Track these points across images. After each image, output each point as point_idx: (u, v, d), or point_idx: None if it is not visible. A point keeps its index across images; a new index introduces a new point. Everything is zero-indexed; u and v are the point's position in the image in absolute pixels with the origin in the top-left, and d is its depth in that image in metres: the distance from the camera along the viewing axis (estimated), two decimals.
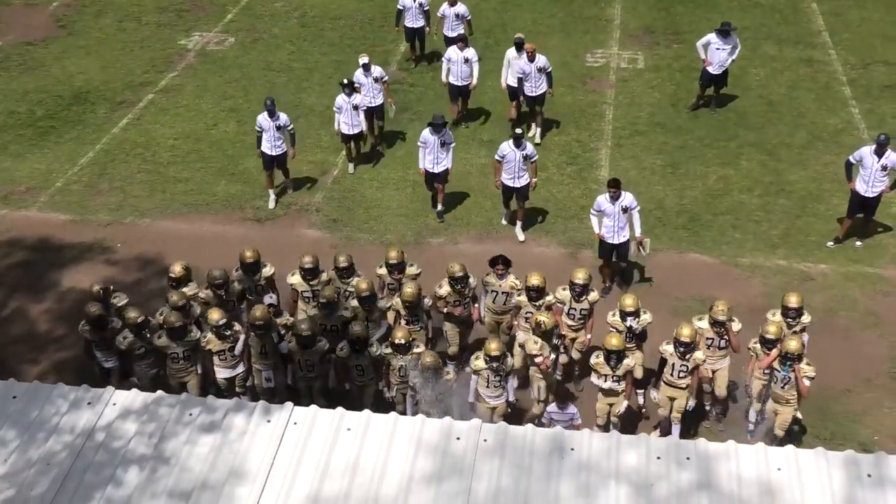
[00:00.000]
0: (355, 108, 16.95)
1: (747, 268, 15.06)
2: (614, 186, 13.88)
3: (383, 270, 12.75)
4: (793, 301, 11.62)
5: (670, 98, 19.85)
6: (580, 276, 12.05)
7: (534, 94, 17.82)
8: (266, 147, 16.51)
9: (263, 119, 16.43)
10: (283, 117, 16.50)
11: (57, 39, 22.94)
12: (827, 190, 16.83)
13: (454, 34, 19.78)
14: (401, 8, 20.34)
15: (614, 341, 11.06)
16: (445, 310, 12.48)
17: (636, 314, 11.69)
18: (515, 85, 17.92)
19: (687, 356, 11.15)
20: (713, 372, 11.74)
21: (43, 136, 19.13)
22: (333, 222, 16.41)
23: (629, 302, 11.66)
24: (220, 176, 17.68)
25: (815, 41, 21.79)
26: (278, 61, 21.70)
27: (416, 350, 11.39)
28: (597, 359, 11.35)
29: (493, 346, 11.06)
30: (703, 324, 11.53)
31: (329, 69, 21.25)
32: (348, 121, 17.05)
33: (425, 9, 20.21)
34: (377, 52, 21.81)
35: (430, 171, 15.91)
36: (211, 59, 21.92)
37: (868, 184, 14.93)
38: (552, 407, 11.49)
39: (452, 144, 15.95)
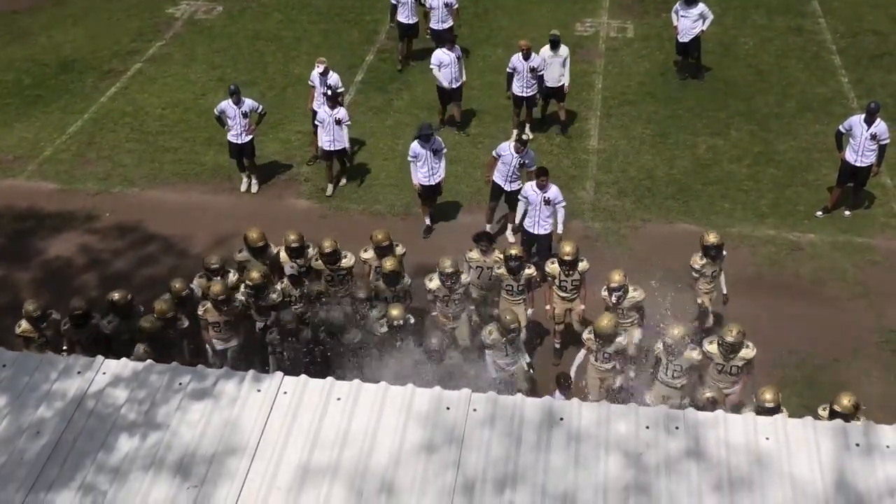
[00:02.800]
0: (338, 122, 15.67)
1: (736, 238, 15.04)
2: (542, 175, 13.50)
3: (370, 254, 12.37)
4: (615, 279, 11.56)
5: (660, 67, 19.76)
6: (568, 251, 11.97)
7: (524, 95, 16.95)
8: (232, 136, 15.94)
9: (228, 106, 15.73)
10: (249, 102, 15.83)
11: (44, 8, 22.69)
12: (816, 159, 16.80)
13: (443, 26, 18.79)
14: (395, 2, 19.06)
15: (605, 322, 10.99)
16: (435, 313, 12.21)
17: (622, 289, 11.58)
18: (550, 84, 17.00)
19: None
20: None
21: (30, 105, 18.96)
22: (322, 192, 16.32)
23: (616, 277, 11.55)
24: (208, 146, 17.55)
25: (804, 10, 21.68)
26: (266, 30, 21.51)
27: (410, 321, 11.39)
28: (588, 335, 11.29)
29: (510, 319, 10.98)
30: (713, 347, 10.91)
31: (318, 38, 21.09)
32: (330, 136, 15.76)
33: (422, 3, 18.93)
34: (366, 22, 21.69)
35: (427, 184, 14.92)
36: (199, 28, 21.72)
37: (858, 153, 14.90)
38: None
39: (444, 151, 14.93)
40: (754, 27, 21.08)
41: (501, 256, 12.33)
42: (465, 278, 12.13)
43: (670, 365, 11.00)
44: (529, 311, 12.30)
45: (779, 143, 17.30)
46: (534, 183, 13.66)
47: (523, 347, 11.65)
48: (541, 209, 13.58)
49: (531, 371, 11.75)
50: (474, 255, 12.45)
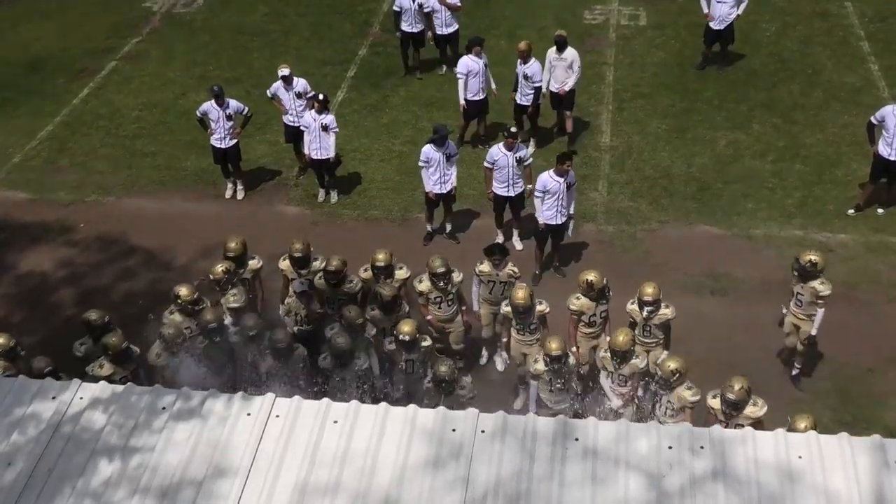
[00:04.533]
0: (324, 128, 15.50)
1: (761, 240, 15.03)
2: (567, 160, 13.53)
3: (368, 274, 12.24)
4: (649, 292, 11.40)
5: (676, 57, 19.77)
6: (650, 292, 11.43)
7: (521, 103, 16.68)
8: (215, 140, 15.92)
9: (211, 107, 15.71)
10: (234, 104, 15.81)
11: (11, 3, 22.73)
12: (846, 154, 16.80)
13: (448, 31, 18.77)
14: (397, 10, 18.75)
15: (622, 338, 10.88)
16: (428, 317, 12.18)
17: (656, 305, 11.42)
18: (554, 89, 16.67)
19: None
20: None
21: None
22: (314, 197, 16.33)
23: (650, 290, 11.35)
24: (189, 149, 17.56)
25: None
26: (251, 24, 21.54)
27: (424, 344, 11.27)
28: (605, 353, 11.19)
29: (554, 346, 10.79)
30: (716, 402, 10.43)
31: (307, 32, 21.13)
32: (316, 144, 15.61)
33: (426, 10, 18.61)
34: (358, 13, 21.74)
35: (439, 192, 14.75)
36: (178, 23, 21.75)
37: (891, 146, 14.89)
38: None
39: (457, 156, 14.80)
40: (775, 11, 21.09)
41: (514, 270, 12.32)
42: (456, 277, 12.15)
43: (663, 400, 10.75)
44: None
45: (805, 137, 17.29)
46: (552, 171, 13.65)
47: (575, 382, 11.36)
48: (563, 197, 13.66)
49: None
50: (485, 267, 12.38)
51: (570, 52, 16.45)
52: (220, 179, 16.58)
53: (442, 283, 11.92)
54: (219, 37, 21.13)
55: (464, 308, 12.46)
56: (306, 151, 15.80)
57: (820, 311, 11.88)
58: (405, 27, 18.77)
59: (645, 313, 11.41)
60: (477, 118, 17.15)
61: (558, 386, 11.05)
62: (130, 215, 16.08)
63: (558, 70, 16.50)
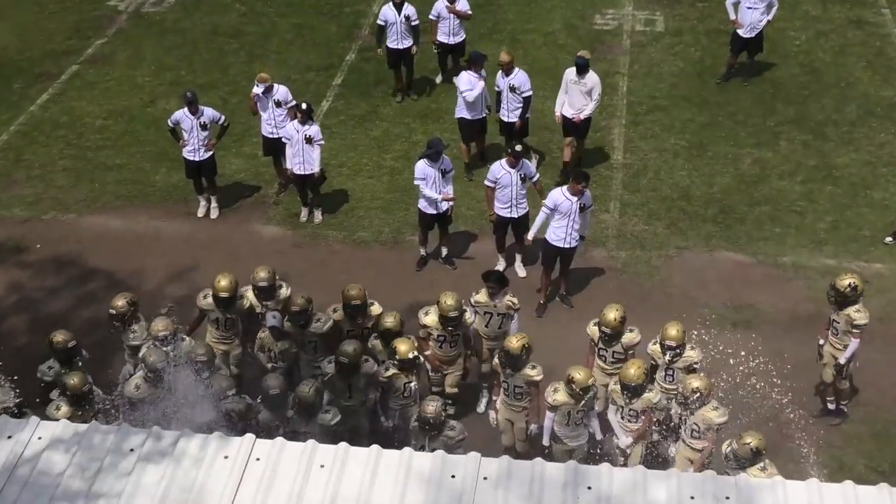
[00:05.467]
0: (308, 140, 15.47)
1: (789, 268, 15.10)
2: (584, 180, 13.62)
3: (339, 315, 12.18)
4: (672, 335, 11.44)
5: (695, 66, 19.89)
6: (612, 316, 11.62)
7: (507, 120, 16.53)
8: (188, 152, 15.94)
9: (184, 116, 15.73)
10: (209, 112, 15.86)
11: None
12: (882, 175, 16.91)
13: (455, 40, 18.69)
14: (382, 24, 18.48)
15: (633, 370, 10.93)
16: (427, 353, 12.12)
17: (680, 349, 11.45)
18: (570, 115, 16.43)
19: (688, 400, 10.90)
20: None
21: None
22: (295, 217, 16.37)
23: (673, 332, 11.39)
24: (159, 162, 17.60)
25: None
26: (227, 25, 21.63)
27: (419, 359, 11.48)
28: (615, 385, 11.24)
29: (581, 377, 10.84)
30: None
31: (289, 34, 21.22)
32: (299, 157, 15.60)
33: (413, 23, 18.37)
34: (345, 14, 21.86)
35: (431, 212, 14.81)
36: (147, 23, 21.82)
37: None
38: None
39: (452, 172, 14.82)
40: (806, 19, 21.24)
41: (513, 301, 12.33)
42: (469, 318, 12.14)
43: (687, 423, 10.91)
44: (532, 426, 11.63)
45: (837, 156, 17.40)
46: (565, 188, 13.72)
47: (596, 421, 11.40)
48: (575, 218, 13.70)
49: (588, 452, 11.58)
50: (481, 297, 12.38)
51: (592, 78, 16.21)
52: (192, 196, 16.61)
53: (451, 326, 11.91)
54: (192, 39, 21.20)
55: (468, 352, 12.44)
56: (288, 166, 15.81)
57: (853, 342, 11.96)
58: (391, 43, 18.51)
59: (668, 357, 11.45)
60: (476, 139, 17.15)
61: (577, 420, 11.12)
62: (92, 235, 16.07)
63: (574, 95, 16.30)
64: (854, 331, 11.89)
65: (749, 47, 18.97)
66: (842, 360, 12.11)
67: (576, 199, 13.61)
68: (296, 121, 15.62)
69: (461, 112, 16.73)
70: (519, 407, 11.55)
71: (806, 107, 18.65)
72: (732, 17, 18.80)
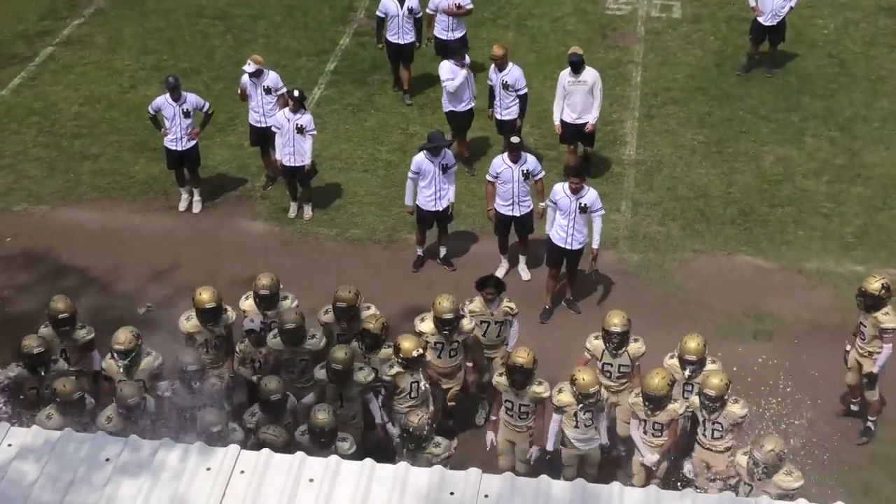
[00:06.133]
0: (300, 130, 15.55)
1: (813, 275, 15.10)
2: (577, 176, 13.66)
3: (329, 317, 12.17)
4: (692, 348, 11.41)
5: (714, 56, 19.92)
6: (616, 322, 11.63)
7: (501, 118, 16.53)
8: (170, 141, 15.96)
9: (165, 102, 15.76)
10: (192, 99, 15.89)
11: None
12: None
13: (454, 35, 18.32)
14: (381, 15, 18.34)
15: (657, 380, 10.93)
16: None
17: (700, 364, 11.45)
18: (571, 121, 16.26)
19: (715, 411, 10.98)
20: None
21: None
22: (284, 212, 16.39)
23: (692, 345, 11.38)
24: (139, 152, 17.62)
25: None
26: (212, 6, 21.66)
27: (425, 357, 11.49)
28: (636, 398, 11.25)
29: (588, 380, 10.91)
30: (742, 460, 10.55)
31: (278, 17, 21.26)
32: (290, 148, 15.66)
33: (417, 16, 18.22)
34: None
35: (430, 209, 14.84)
36: (127, 4, 21.82)
37: None
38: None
39: (454, 168, 14.87)
40: (835, 6, 21.28)
41: (511, 307, 12.31)
42: (467, 325, 12.13)
43: (708, 423, 11.02)
44: (534, 450, 11.61)
45: (867, 154, 17.44)
46: (565, 184, 13.77)
47: (604, 424, 11.47)
48: (576, 218, 13.72)
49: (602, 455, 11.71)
50: (476, 305, 12.34)
51: (590, 74, 16.03)
52: (173, 188, 16.63)
53: (447, 329, 11.91)
54: (175, 21, 21.22)
55: (469, 364, 12.41)
56: (278, 157, 15.85)
57: (886, 347, 12.02)
58: (391, 37, 18.36)
59: (687, 372, 11.45)
60: (464, 132, 17.12)
61: (585, 422, 11.20)
62: (66, 228, 16.08)
63: (576, 96, 16.05)
64: (885, 336, 11.96)
65: (770, 36, 18.98)
66: (875, 370, 12.15)
67: (575, 196, 13.63)
68: (286, 109, 15.63)
69: (448, 105, 16.75)
70: (523, 427, 11.52)
71: (834, 101, 18.68)
72: (752, 4, 18.81)
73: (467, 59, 16.69)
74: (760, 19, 18.77)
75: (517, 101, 16.31)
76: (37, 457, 8.21)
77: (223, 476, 8.07)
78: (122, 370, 11.29)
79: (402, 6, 18.05)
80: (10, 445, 8.28)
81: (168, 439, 8.44)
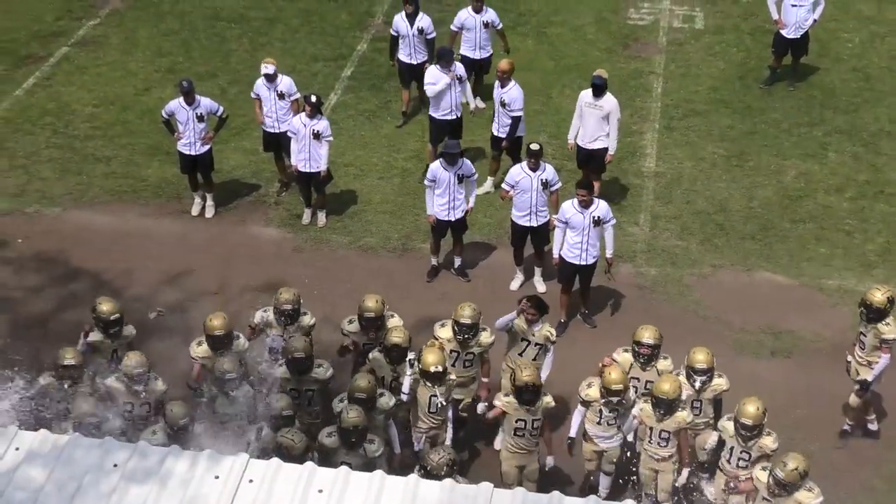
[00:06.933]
0: (316, 136, 15.58)
1: (834, 292, 15.07)
2: (585, 189, 13.67)
3: (354, 326, 12.22)
4: (700, 359, 11.44)
5: (737, 69, 19.91)
6: (648, 335, 11.67)
7: (496, 135, 16.44)
8: (183, 145, 16.02)
9: (179, 106, 15.79)
10: (206, 103, 15.92)
11: None
12: None
13: (484, 55, 18.22)
14: (394, 34, 18.22)
15: (667, 385, 10.99)
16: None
17: (709, 373, 11.46)
18: (583, 144, 16.02)
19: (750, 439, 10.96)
20: None
21: None
22: (297, 218, 16.42)
23: (701, 357, 11.42)
24: (151, 155, 17.69)
25: None
26: (229, 9, 21.73)
27: (451, 377, 11.44)
28: (644, 403, 11.28)
29: (615, 378, 11.02)
30: (762, 475, 10.55)
31: (295, 21, 21.32)
32: (305, 154, 15.70)
33: (429, 37, 18.04)
34: (357, 1, 21.88)
35: (443, 218, 14.83)
36: (143, 5, 21.91)
37: None
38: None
39: (474, 177, 14.90)
40: (860, 19, 21.26)
41: (551, 333, 12.23)
42: (485, 338, 12.06)
43: (737, 449, 10.96)
44: (549, 459, 11.66)
45: (891, 171, 17.41)
46: (575, 200, 13.76)
47: (630, 423, 11.49)
48: (590, 232, 13.73)
49: (626, 453, 11.76)
50: (520, 323, 12.30)
51: (609, 101, 15.74)
52: (185, 192, 16.68)
53: (463, 337, 11.89)
54: (191, 23, 21.30)
55: (485, 380, 12.31)
56: (293, 162, 15.86)
57: (883, 357, 12.11)
58: (403, 57, 18.17)
59: (697, 384, 11.42)
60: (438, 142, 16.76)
61: (609, 420, 11.26)
62: (78, 231, 16.14)
63: (590, 119, 15.84)
64: (884, 346, 12.07)
65: (793, 49, 18.98)
66: (870, 378, 12.26)
67: (587, 211, 13.65)
68: (303, 114, 15.66)
69: (431, 110, 16.76)
70: (534, 444, 11.51)
71: (857, 116, 18.66)
72: (775, 16, 18.80)
73: (456, 68, 16.54)
74: (784, 32, 18.77)
75: (511, 121, 16.11)
76: (44, 462, 8.24)
77: (231, 484, 8.09)
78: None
79: (412, 26, 17.92)
80: (17, 449, 8.31)
81: (176, 447, 8.46)
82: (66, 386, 11.28)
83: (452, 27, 18.21)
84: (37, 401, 11.24)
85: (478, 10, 17.89)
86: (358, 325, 12.16)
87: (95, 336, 11.90)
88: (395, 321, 12.17)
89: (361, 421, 10.56)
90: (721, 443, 11.19)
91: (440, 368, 11.24)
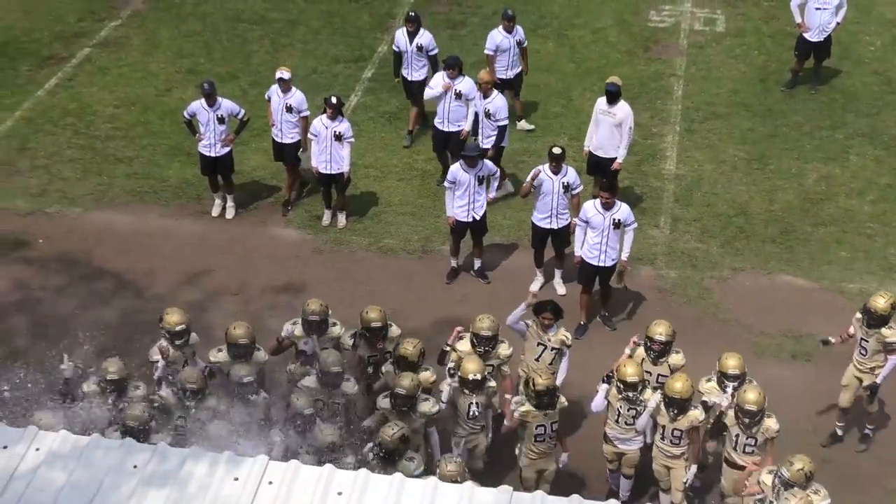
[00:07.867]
0: (338, 138, 15.59)
1: (855, 296, 14.96)
2: (608, 191, 13.68)
3: (353, 341, 12.08)
4: (732, 365, 11.39)
5: (758, 71, 19.85)
6: (660, 331, 11.70)
7: (483, 146, 15.97)
8: (204, 146, 16.02)
9: (200, 108, 15.83)
10: (227, 105, 15.94)
11: None
12: None
13: (512, 73, 17.88)
14: (396, 50, 17.97)
15: (679, 384, 10.98)
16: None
17: (741, 379, 11.37)
18: (595, 150, 15.91)
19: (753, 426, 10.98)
20: None
21: None
22: (317, 219, 16.43)
23: (733, 362, 11.37)
24: (172, 156, 17.73)
25: None
26: (250, 10, 21.78)
27: (490, 384, 11.40)
28: (657, 402, 11.25)
29: (630, 371, 11.05)
30: (768, 479, 10.59)
31: (316, 22, 21.34)
32: (326, 155, 15.70)
33: (430, 53, 17.81)
34: (379, 2, 21.95)
35: (462, 220, 14.84)
36: (164, 6, 21.98)
37: None
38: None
39: (496, 174, 15.09)
40: (881, 22, 21.19)
41: (567, 337, 12.19)
42: (503, 350, 11.97)
43: (742, 438, 11.00)
44: (563, 457, 11.63)
45: None
46: (597, 201, 13.75)
47: (648, 424, 11.44)
48: (609, 234, 13.71)
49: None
50: (534, 328, 12.31)
51: (623, 109, 15.62)
52: (206, 193, 16.71)
53: (483, 349, 11.80)
54: (212, 24, 21.35)
55: (508, 396, 12.04)
56: (314, 164, 15.82)
57: (890, 359, 12.14)
58: (404, 72, 17.98)
59: (730, 390, 11.31)
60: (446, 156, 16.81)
61: (627, 420, 11.27)
62: (98, 231, 16.19)
63: (603, 127, 15.72)
64: (889, 348, 12.11)
65: (816, 52, 18.91)
66: (879, 380, 12.26)
67: (608, 212, 13.62)
68: (323, 116, 15.67)
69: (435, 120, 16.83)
70: (552, 446, 11.51)
71: (879, 119, 18.59)
72: (798, 20, 18.74)
73: (459, 82, 16.34)
74: (807, 35, 18.71)
75: (496, 130, 16.03)
76: (64, 463, 8.24)
77: (251, 486, 8.08)
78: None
79: (411, 43, 17.71)
80: (37, 449, 8.33)
81: (196, 447, 8.47)
82: (110, 400, 11.18)
83: (487, 51, 17.77)
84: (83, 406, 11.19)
85: (509, 31, 17.68)
86: (356, 340, 12.01)
87: (171, 353, 11.64)
88: (394, 330, 12.05)
89: (340, 365, 11.15)
90: (721, 432, 11.30)
91: (479, 376, 11.20)
